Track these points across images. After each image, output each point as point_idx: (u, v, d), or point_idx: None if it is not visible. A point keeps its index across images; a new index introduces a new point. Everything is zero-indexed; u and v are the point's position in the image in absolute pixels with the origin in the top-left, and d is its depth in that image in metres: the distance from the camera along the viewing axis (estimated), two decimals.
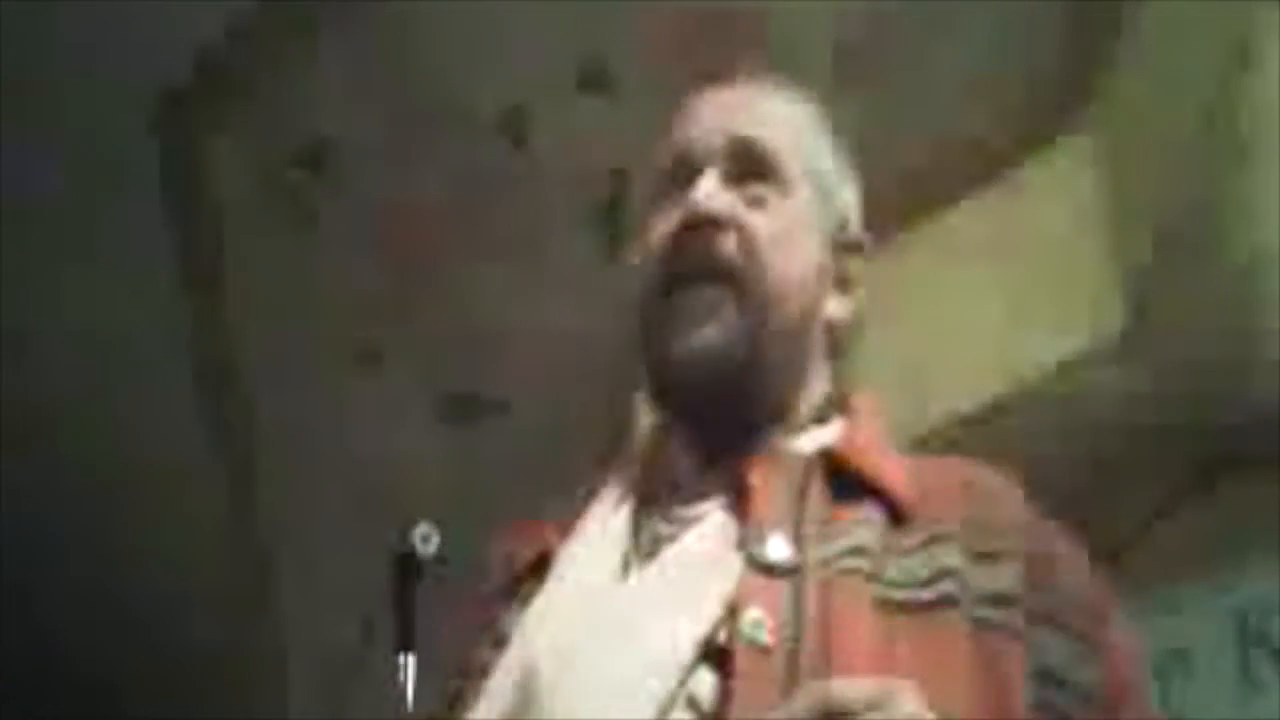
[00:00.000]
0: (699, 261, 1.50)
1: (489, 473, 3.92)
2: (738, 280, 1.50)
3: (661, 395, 1.53)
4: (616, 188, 3.73)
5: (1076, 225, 3.19)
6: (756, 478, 1.44)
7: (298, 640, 4.34)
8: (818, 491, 1.44)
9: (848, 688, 1.20)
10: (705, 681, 1.32)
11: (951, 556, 1.39)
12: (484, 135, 3.83)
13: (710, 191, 1.52)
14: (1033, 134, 3.27)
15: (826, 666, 1.29)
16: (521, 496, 4.21)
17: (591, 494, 1.58)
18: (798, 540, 1.38)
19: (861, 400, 1.57)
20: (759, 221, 1.52)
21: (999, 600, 1.37)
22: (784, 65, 3.62)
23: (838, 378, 1.58)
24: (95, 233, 4.22)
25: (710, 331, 1.48)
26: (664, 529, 1.47)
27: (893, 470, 1.46)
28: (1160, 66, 3.08)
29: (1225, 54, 2.95)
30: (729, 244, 1.51)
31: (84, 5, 3.88)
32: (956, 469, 1.51)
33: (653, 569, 1.44)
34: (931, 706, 1.23)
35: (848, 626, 1.33)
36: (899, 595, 1.36)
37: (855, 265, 1.60)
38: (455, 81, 3.83)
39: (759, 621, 1.32)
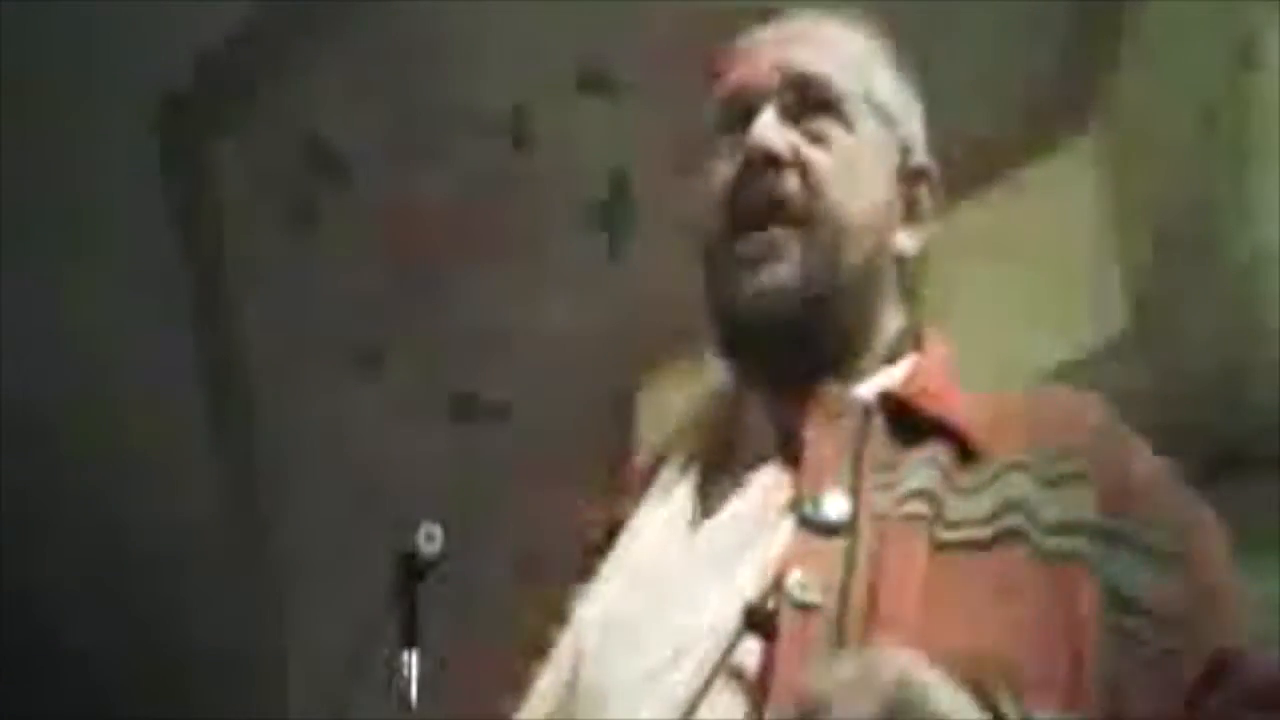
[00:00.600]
0: (763, 203, 1.46)
1: (489, 472, 3.92)
2: (804, 220, 1.45)
3: (730, 344, 1.49)
4: (617, 188, 3.73)
5: (1077, 225, 3.19)
6: (811, 430, 1.40)
7: (298, 640, 4.34)
8: (878, 437, 1.39)
9: (821, 679, 1.17)
10: (751, 651, 1.28)
11: (1019, 487, 1.35)
12: (484, 136, 3.83)
13: (770, 129, 1.47)
14: (1033, 134, 3.26)
15: (875, 623, 1.26)
16: (522, 496, 4.24)
17: (661, 460, 1.52)
18: (855, 493, 1.34)
19: (933, 336, 1.54)
20: (822, 158, 1.48)
21: (1067, 529, 1.33)
22: None
23: (912, 311, 1.54)
24: (95, 233, 4.22)
25: (781, 270, 1.44)
26: (728, 491, 1.43)
27: (958, 407, 1.42)
28: (1162, 66, 3.07)
29: (1227, 54, 2.95)
30: (792, 183, 1.46)
31: (84, 6, 3.88)
32: (1032, 397, 1.48)
33: (701, 535, 1.40)
34: (993, 648, 1.21)
35: (898, 577, 1.28)
36: (959, 535, 1.32)
37: (922, 194, 1.56)
38: (455, 82, 3.83)
39: (804, 584, 1.28)
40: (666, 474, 1.50)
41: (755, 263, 1.44)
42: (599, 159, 3.72)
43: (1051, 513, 1.34)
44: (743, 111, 1.51)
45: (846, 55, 1.55)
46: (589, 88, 3.69)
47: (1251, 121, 2.94)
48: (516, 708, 1.45)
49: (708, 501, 1.45)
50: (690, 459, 1.50)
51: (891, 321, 1.52)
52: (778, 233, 1.45)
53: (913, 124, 1.58)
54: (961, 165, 3.34)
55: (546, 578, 1.58)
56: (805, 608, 1.27)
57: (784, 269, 1.44)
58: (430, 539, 1.48)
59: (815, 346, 1.45)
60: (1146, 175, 3.12)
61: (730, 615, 1.29)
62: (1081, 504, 1.35)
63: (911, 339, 1.52)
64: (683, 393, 3.61)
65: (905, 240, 1.53)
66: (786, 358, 1.45)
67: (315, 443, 4.27)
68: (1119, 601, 1.32)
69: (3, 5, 3.88)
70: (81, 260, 4.24)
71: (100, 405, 4.40)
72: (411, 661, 1.45)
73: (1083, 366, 3.15)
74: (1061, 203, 3.23)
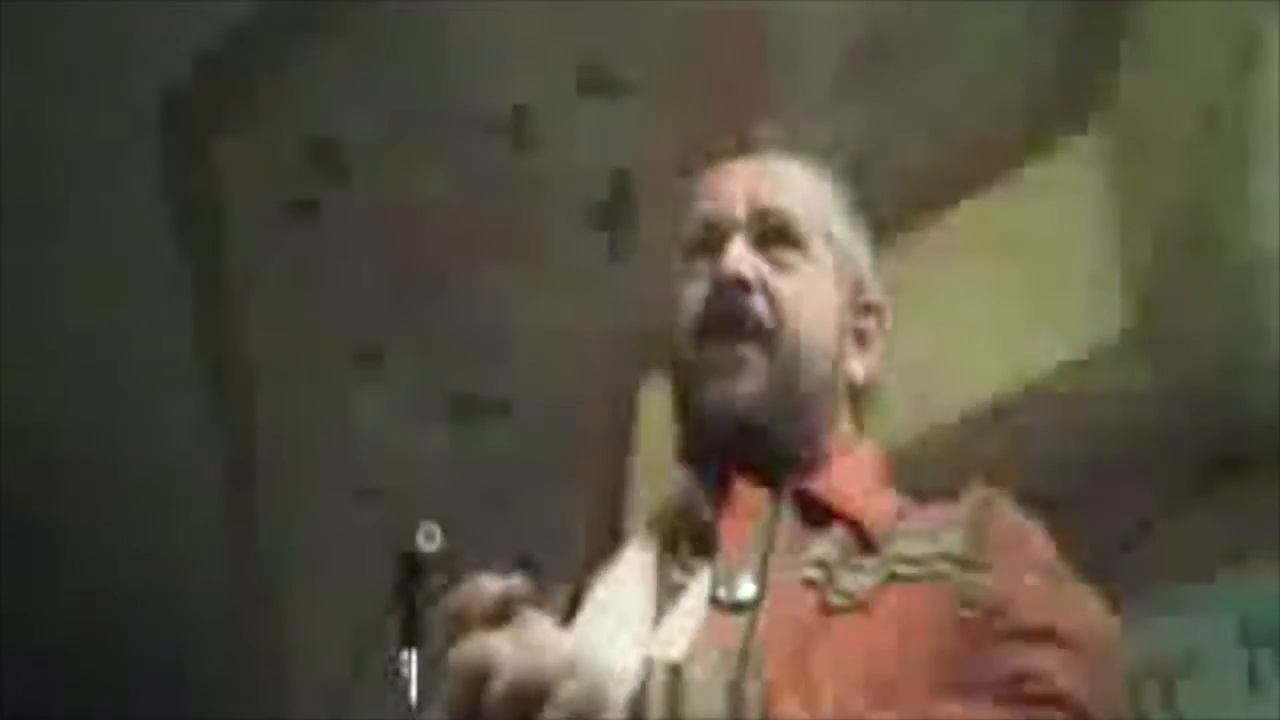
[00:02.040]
0: (731, 319, 1.61)
1: (489, 472, 3.93)
2: (768, 340, 1.60)
3: (691, 446, 1.63)
4: (618, 188, 3.74)
5: (1078, 225, 3.19)
6: (726, 523, 1.54)
7: (298, 639, 4.34)
8: (787, 526, 1.53)
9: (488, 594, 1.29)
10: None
11: (904, 555, 1.49)
12: (485, 135, 3.83)
13: (740, 258, 1.62)
14: (1034, 134, 3.26)
15: (759, 681, 1.35)
16: (522, 496, 4.23)
17: (624, 541, 1.66)
18: (762, 577, 1.48)
19: (869, 446, 1.67)
20: (786, 285, 1.63)
21: (923, 560, 1.47)
22: (784, 66, 3.64)
23: (856, 426, 1.68)
24: (95, 233, 4.22)
25: (746, 382, 1.58)
26: (678, 578, 1.55)
27: (862, 502, 1.56)
28: (1163, 67, 3.08)
29: (1228, 54, 2.95)
30: (759, 305, 1.61)
31: (84, 5, 3.88)
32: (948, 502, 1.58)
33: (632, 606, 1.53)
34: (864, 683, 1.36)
35: (787, 634, 1.42)
36: (844, 600, 1.45)
37: (872, 326, 1.70)
38: (456, 82, 3.84)
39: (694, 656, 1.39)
40: (630, 552, 1.62)
41: (723, 372, 1.59)
42: (600, 159, 3.72)
43: (919, 550, 1.49)
44: (715, 239, 1.66)
45: (808, 194, 1.70)
46: (590, 88, 3.69)
47: (1252, 121, 2.94)
48: None
49: (663, 581, 1.57)
50: (650, 541, 1.63)
51: (839, 438, 1.65)
52: (744, 349, 1.59)
53: (863, 260, 1.72)
54: (961, 165, 3.36)
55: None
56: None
57: (748, 381, 1.58)
58: (431, 538, 1.48)
59: (766, 457, 1.58)
60: (1147, 175, 3.12)
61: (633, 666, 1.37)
62: (947, 544, 1.49)
63: (843, 447, 1.65)
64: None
65: (856, 367, 1.68)
66: (740, 458, 1.58)
67: (315, 443, 4.27)
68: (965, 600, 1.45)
69: (3, 5, 3.88)
70: (81, 261, 4.24)
71: (100, 405, 4.40)
72: (411, 661, 1.46)
73: (1083, 366, 3.15)
74: (1061, 203, 3.23)
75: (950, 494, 1.59)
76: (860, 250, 1.72)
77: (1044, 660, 1.38)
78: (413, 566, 1.49)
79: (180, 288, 4.31)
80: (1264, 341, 2.99)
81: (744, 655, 1.40)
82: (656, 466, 3.70)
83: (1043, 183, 3.27)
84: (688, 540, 1.58)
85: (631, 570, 1.59)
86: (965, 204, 3.36)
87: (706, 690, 1.31)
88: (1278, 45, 2.90)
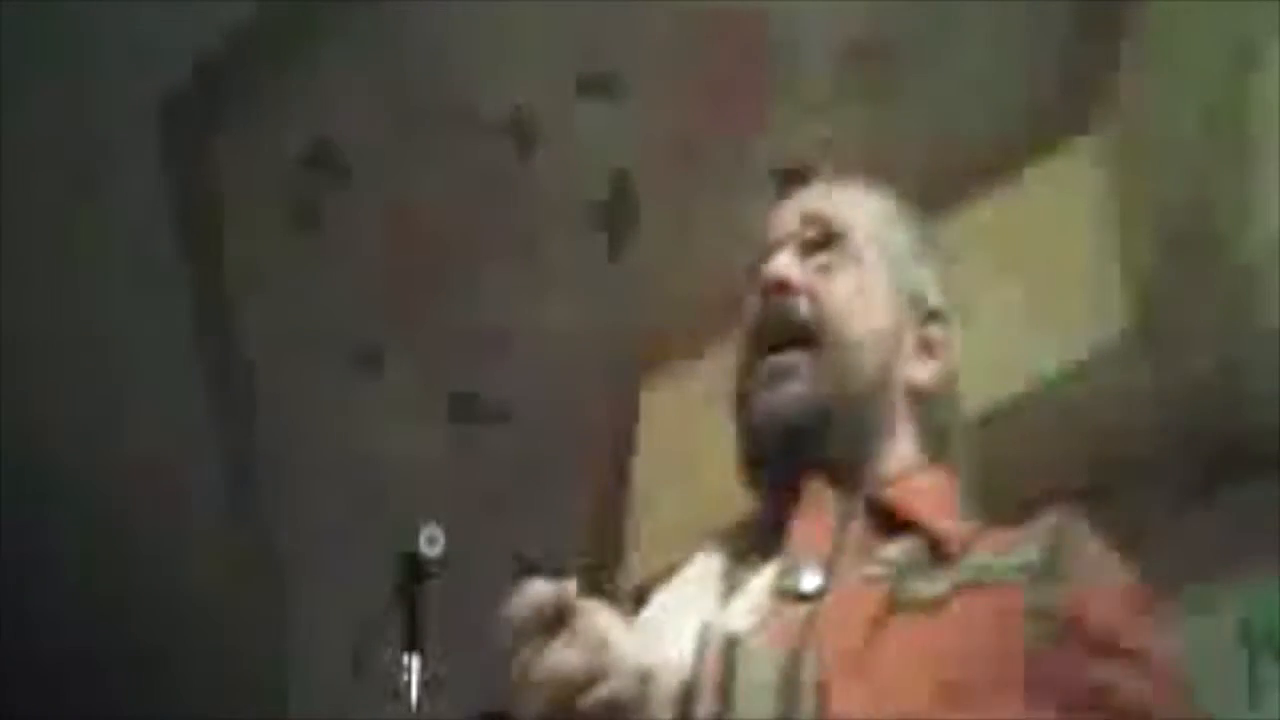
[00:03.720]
0: (778, 323, 1.64)
1: (489, 472, 3.92)
2: (814, 341, 1.63)
3: (749, 452, 1.65)
4: (617, 188, 3.73)
5: (1078, 225, 3.19)
6: (798, 519, 1.55)
7: (298, 640, 4.34)
8: (858, 530, 1.54)
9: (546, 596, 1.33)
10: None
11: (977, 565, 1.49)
12: (485, 136, 3.83)
13: (782, 262, 1.66)
14: (1034, 134, 3.26)
15: (826, 663, 1.35)
16: (522, 496, 4.23)
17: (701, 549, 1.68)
18: (830, 569, 1.48)
19: (941, 471, 1.67)
20: (828, 286, 1.65)
21: (997, 570, 1.47)
22: (784, 66, 3.63)
23: (926, 441, 1.67)
24: (95, 233, 4.22)
25: (794, 387, 1.60)
26: (743, 575, 1.57)
27: (935, 515, 1.55)
28: (1162, 67, 3.07)
29: (1228, 54, 2.95)
30: (802, 306, 1.64)
31: (84, 6, 3.88)
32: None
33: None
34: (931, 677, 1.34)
35: (847, 622, 1.41)
36: (912, 600, 1.45)
37: (935, 333, 1.70)
38: (456, 82, 3.83)
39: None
40: (701, 556, 1.65)
41: (773, 381, 1.62)
42: (599, 159, 3.72)
43: (993, 561, 1.49)
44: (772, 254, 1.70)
45: (860, 205, 1.73)
46: (589, 88, 3.69)
47: (1251, 121, 2.94)
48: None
49: (727, 583, 1.59)
50: (722, 546, 1.66)
51: (902, 446, 1.65)
52: (793, 355, 1.62)
53: (926, 272, 1.74)
54: (961, 165, 3.36)
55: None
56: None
57: (796, 385, 1.61)
58: (431, 540, 1.49)
59: (820, 450, 1.60)
60: (1147, 175, 3.12)
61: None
62: (1025, 556, 1.49)
63: (920, 467, 1.66)
64: (683, 392, 3.61)
65: (919, 370, 1.68)
66: (795, 460, 1.60)
67: (315, 443, 4.27)
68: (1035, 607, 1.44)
69: (3, 5, 3.88)
70: (81, 260, 4.24)
71: (100, 405, 4.40)
72: (412, 662, 1.46)
73: (1083, 366, 3.15)
74: (1061, 203, 3.23)
75: (1018, 519, 1.58)
76: (921, 263, 1.74)
77: (1126, 677, 1.38)
78: (413, 567, 1.49)
79: (180, 288, 4.31)
80: (1264, 341, 2.99)
81: (804, 637, 1.39)
82: (657, 466, 3.70)
83: (1043, 183, 3.27)
84: (756, 548, 1.59)
85: (696, 576, 1.60)
86: (965, 204, 3.35)
87: (761, 660, 1.32)
88: (1278, 45, 2.90)
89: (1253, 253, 2.96)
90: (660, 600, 1.59)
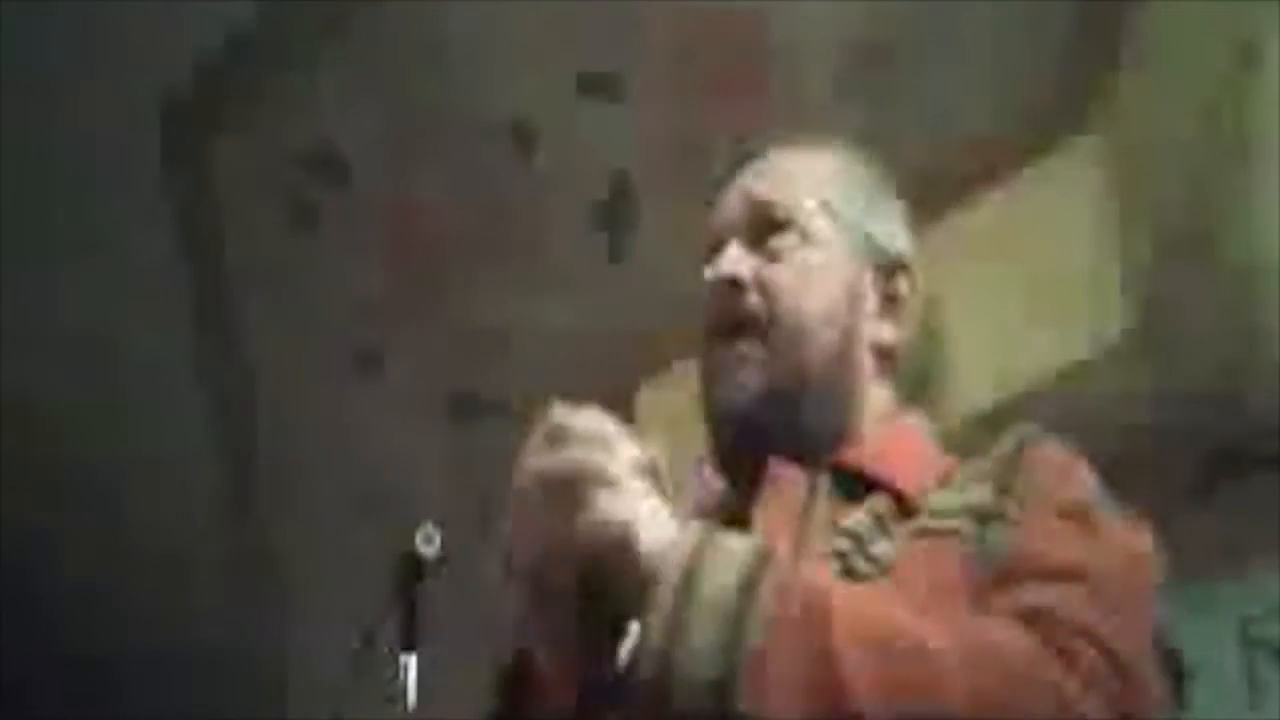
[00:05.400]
0: (727, 319, 1.64)
1: (489, 472, 3.92)
2: (763, 329, 1.62)
3: (715, 446, 1.65)
4: (618, 188, 3.74)
5: (1078, 225, 3.19)
6: (758, 508, 1.55)
7: (297, 639, 4.34)
8: (823, 502, 1.54)
9: (569, 414, 1.43)
10: None
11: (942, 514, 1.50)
12: (486, 137, 3.83)
13: (730, 259, 1.65)
14: (1034, 134, 3.26)
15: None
16: None
17: None
18: (797, 551, 1.48)
19: (911, 412, 1.69)
20: (776, 272, 1.65)
21: (950, 513, 1.49)
22: (784, 66, 3.63)
23: (900, 390, 1.69)
24: (95, 233, 4.22)
25: (742, 381, 1.61)
26: None
27: (900, 466, 1.56)
28: (1162, 67, 3.08)
29: (1227, 54, 2.95)
30: (752, 300, 1.63)
31: (85, 7, 3.88)
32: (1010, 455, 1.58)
33: None
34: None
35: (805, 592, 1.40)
36: (872, 568, 1.47)
37: (900, 285, 1.71)
38: (456, 83, 3.84)
39: None
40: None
41: (726, 373, 1.63)
42: (600, 160, 3.72)
43: (947, 503, 1.51)
44: (720, 247, 1.69)
45: (807, 174, 1.71)
46: (590, 89, 3.69)
47: (1251, 121, 2.94)
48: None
49: None
50: None
51: (875, 404, 1.66)
52: (742, 346, 1.62)
53: (883, 224, 1.72)
54: (961, 165, 3.36)
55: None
56: None
57: (748, 378, 1.61)
58: (430, 539, 1.48)
59: (793, 439, 1.60)
60: (1146, 175, 3.12)
61: None
62: (979, 496, 1.50)
63: (887, 420, 1.67)
64: (683, 393, 3.61)
65: (882, 330, 1.68)
66: (756, 449, 1.60)
67: (315, 443, 4.27)
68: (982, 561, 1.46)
69: (3, 5, 3.88)
70: (81, 260, 4.24)
71: (100, 405, 4.40)
72: (411, 662, 1.46)
73: (1083, 366, 3.15)
74: (1061, 203, 3.23)
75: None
76: (880, 214, 1.72)
77: (1066, 595, 1.39)
78: (413, 567, 1.48)
79: (180, 288, 4.32)
80: (1264, 342, 2.99)
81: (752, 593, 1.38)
82: None
83: (1043, 182, 3.27)
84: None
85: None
86: (965, 204, 3.36)
87: (730, 560, 1.33)
88: (1278, 45, 2.90)
89: (1253, 253, 2.96)
90: None
